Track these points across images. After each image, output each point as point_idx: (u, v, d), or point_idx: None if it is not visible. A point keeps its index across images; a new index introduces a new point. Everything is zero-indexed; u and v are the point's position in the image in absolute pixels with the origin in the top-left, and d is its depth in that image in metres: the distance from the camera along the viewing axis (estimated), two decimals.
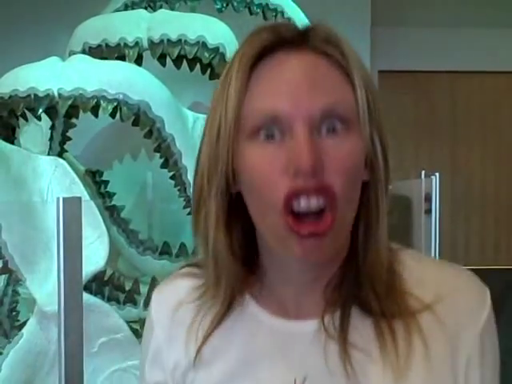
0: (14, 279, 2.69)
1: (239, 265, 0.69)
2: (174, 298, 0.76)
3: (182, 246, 3.71)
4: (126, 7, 3.91)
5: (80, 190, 1.87)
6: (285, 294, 0.69)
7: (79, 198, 1.13)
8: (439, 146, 6.62)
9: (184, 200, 2.55)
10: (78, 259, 1.13)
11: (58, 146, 3.23)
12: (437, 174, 3.64)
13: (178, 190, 2.53)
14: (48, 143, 3.17)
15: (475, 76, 6.93)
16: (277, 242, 0.63)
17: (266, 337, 0.70)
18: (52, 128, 3.23)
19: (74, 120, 3.09)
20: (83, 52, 3.15)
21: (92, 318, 1.84)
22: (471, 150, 7.03)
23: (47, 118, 2.87)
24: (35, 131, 3.12)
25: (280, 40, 0.67)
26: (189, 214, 2.64)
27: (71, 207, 1.11)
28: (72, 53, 3.20)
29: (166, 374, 0.73)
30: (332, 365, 0.64)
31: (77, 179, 1.91)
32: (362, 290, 0.64)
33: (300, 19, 3.95)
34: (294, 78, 0.62)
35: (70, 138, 3.27)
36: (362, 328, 0.65)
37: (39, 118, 2.46)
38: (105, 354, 1.89)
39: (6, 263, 1.78)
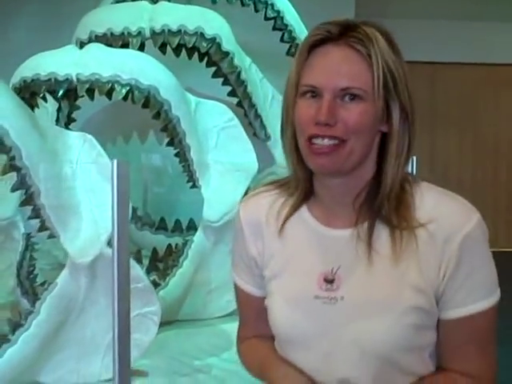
0: (31, 245, 3.05)
1: (307, 188, 1.04)
2: (257, 209, 1.11)
3: (177, 221, 4.08)
4: None
5: (106, 161, 2.22)
6: (328, 207, 1.01)
7: (127, 162, 1.49)
8: (418, 133, 6.98)
9: (187, 175, 2.90)
10: (127, 209, 1.49)
11: (64, 127, 3.55)
12: (414, 158, 4.04)
13: (183, 166, 2.88)
14: (54, 124, 3.48)
15: (454, 67, 7.35)
16: (306, 160, 0.99)
17: (312, 238, 1.02)
18: (58, 110, 3.55)
19: (78, 102, 3.39)
20: (89, 40, 3.46)
21: None
22: (449, 138, 7.46)
23: (53, 101, 3.18)
24: (42, 113, 3.43)
25: (326, 36, 1.00)
26: (192, 187, 3.00)
27: (122, 168, 1.48)
28: (79, 40, 3.50)
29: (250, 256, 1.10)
30: (359, 259, 0.97)
31: (102, 152, 2.27)
32: (382, 209, 0.97)
33: (288, 11, 4.27)
34: (329, 64, 0.98)
35: (74, 120, 3.57)
36: (381, 235, 0.97)
37: (58, 100, 2.80)
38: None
39: (43, 222, 2.14)
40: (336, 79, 0.96)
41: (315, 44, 0.99)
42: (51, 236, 2.14)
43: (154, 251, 3.35)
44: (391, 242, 0.97)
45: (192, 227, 3.98)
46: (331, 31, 0.98)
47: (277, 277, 1.06)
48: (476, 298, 0.96)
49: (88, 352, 2.29)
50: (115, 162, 1.48)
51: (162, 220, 3.99)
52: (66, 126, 3.59)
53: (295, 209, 1.05)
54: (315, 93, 0.97)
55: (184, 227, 3.99)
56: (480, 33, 7.05)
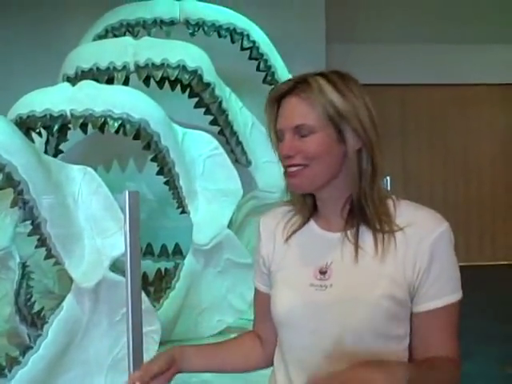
0: (27, 274, 3.21)
1: (310, 204, 1.28)
2: (273, 219, 1.35)
3: (163, 246, 4.26)
4: (106, 32, 4.42)
5: (105, 191, 2.41)
6: (325, 216, 1.25)
7: (137, 192, 1.69)
8: (391, 153, 7.34)
9: (177, 202, 3.10)
10: (137, 233, 1.69)
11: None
12: (388, 178, 4.30)
13: (172, 194, 3.08)
14: None
15: (423, 88, 7.70)
16: (287, 183, 1.24)
17: (315, 241, 1.25)
18: (46, 143, 3.73)
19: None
20: (76, 75, 3.66)
21: (117, 293, 2.38)
22: (420, 157, 7.79)
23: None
24: None
25: (285, 90, 1.26)
26: (182, 212, 3.20)
27: (133, 197, 1.68)
28: (65, 76, 3.70)
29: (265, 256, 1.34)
30: (347, 256, 1.19)
31: (102, 183, 2.46)
32: (366, 216, 1.19)
33: (263, 41, 4.53)
34: (286, 111, 1.24)
35: (61, 151, 3.76)
36: (365, 237, 1.19)
37: (53, 135, 2.99)
38: (125, 322, 2.41)
39: (49, 250, 2.32)
40: (290, 121, 1.23)
41: (281, 97, 1.26)
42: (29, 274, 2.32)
43: (144, 276, 3.52)
44: (374, 243, 1.19)
45: (178, 252, 4.18)
46: (286, 87, 1.25)
47: (281, 270, 1.30)
48: (447, 291, 1.17)
49: (92, 371, 2.46)
50: (127, 192, 1.68)
51: (149, 245, 4.16)
52: (54, 157, 3.77)
53: (304, 223, 1.30)
54: (282, 135, 1.25)
55: (170, 252, 4.19)
56: (446, 55, 7.41)
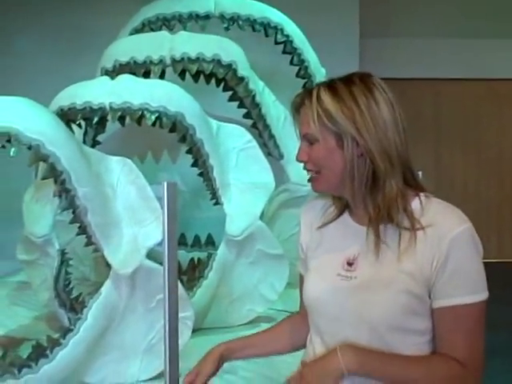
0: (66, 261, 3.34)
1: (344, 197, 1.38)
2: (312, 210, 1.47)
3: (196, 237, 4.37)
4: (143, 26, 4.54)
5: (143, 182, 2.52)
6: (354, 210, 1.36)
7: (175, 183, 1.78)
8: (424, 148, 7.35)
9: (210, 193, 3.20)
10: (175, 223, 1.78)
11: None
12: (420, 173, 4.33)
13: (206, 186, 3.18)
14: None
15: (457, 83, 7.67)
16: None
17: (347, 232, 1.36)
18: (84, 134, 3.85)
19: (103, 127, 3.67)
20: (114, 68, 3.78)
21: (152, 280, 2.49)
22: (453, 152, 7.77)
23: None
24: None
25: (300, 101, 1.36)
26: (215, 204, 3.30)
27: (171, 188, 1.77)
28: (104, 69, 3.82)
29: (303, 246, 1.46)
30: (371, 249, 1.27)
31: (140, 174, 2.56)
32: (392, 213, 1.27)
33: (297, 36, 4.59)
34: (300, 120, 1.36)
35: (99, 143, 3.88)
36: (389, 232, 1.27)
37: (92, 127, 3.11)
38: (160, 308, 2.52)
39: (89, 238, 2.43)
40: (301, 129, 1.36)
41: (299, 105, 1.38)
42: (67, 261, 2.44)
43: (178, 265, 3.63)
44: (397, 239, 1.27)
45: (210, 242, 4.29)
46: (297, 99, 1.38)
47: (315, 258, 1.41)
48: (462, 292, 1.23)
49: (127, 355, 2.57)
50: (165, 183, 1.77)
51: (182, 236, 4.28)
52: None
53: (338, 214, 1.41)
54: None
55: (203, 242, 4.31)
56: (481, 49, 7.37)
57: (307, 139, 1.32)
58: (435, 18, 7.27)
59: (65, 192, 2.33)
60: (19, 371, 2.32)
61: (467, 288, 1.24)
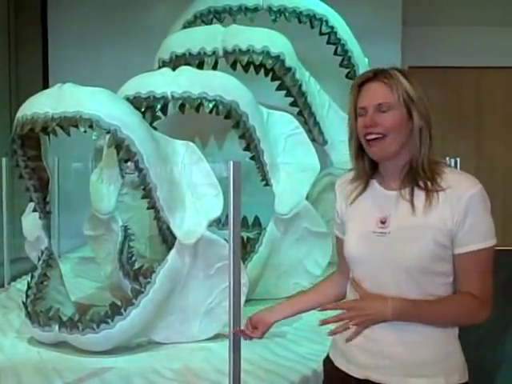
0: (129, 236, 3.75)
1: (368, 169, 1.67)
2: (344, 182, 1.77)
3: (244, 219, 4.73)
4: (195, 18, 4.91)
5: (205, 164, 2.91)
6: (385, 177, 1.63)
7: (239, 162, 2.14)
8: (465, 135, 7.58)
9: (261, 175, 3.57)
10: (240, 199, 2.14)
11: None
12: (458, 159, 4.61)
13: (257, 168, 3.54)
14: None
15: (499, 71, 7.84)
16: (367, 151, 1.64)
17: (377, 196, 1.64)
18: None
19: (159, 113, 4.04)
20: (170, 59, 4.15)
21: (213, 249, 2.87)
22: (495, 140, 7.96)
23: None
24: None
25: (366, 78, 1.68)
26: (265, 185, 3.66)
27: (236, 167, 2.13)
28: (161, 60, 4.21)
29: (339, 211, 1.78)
30: (402, 209, 1.56)
31: (201, 156, 2.94)
32: (417, 178, 1.56)
33: (341, 27, 4.90)
34: (370, 93, 1.66)
35: (155, 128, 4.25)
36: (416, 194, 1.56)
37: (155, 115, 3.50)
38: (218, 276, 2.90)
39: (158, 212, 2.82)
40: (374, 100, 1.63)
41: (362, 83, 1.67)
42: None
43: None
44: (423, 199, 1.58)
45: (257, 224, 4.67)
46: (369, 75, 1.66)
47: (351, 220, 1.72)
48: (478, 239, 1.56)
49: (189, 317, 2.97)
50: (231, 162, 2.14)
51: (244, 218, 4.62)
52: None
53: (366, 184, 1.71)
54: (364, 111, 1.64)
55: (250, 224, 4.69)
56: None
57: (379, 108, 1.59)
58: (477, 6, 7.44)
59: (138, 171, 2.72)
60: (98, 326, 2.74)
61: (481, 236, 1.56)
